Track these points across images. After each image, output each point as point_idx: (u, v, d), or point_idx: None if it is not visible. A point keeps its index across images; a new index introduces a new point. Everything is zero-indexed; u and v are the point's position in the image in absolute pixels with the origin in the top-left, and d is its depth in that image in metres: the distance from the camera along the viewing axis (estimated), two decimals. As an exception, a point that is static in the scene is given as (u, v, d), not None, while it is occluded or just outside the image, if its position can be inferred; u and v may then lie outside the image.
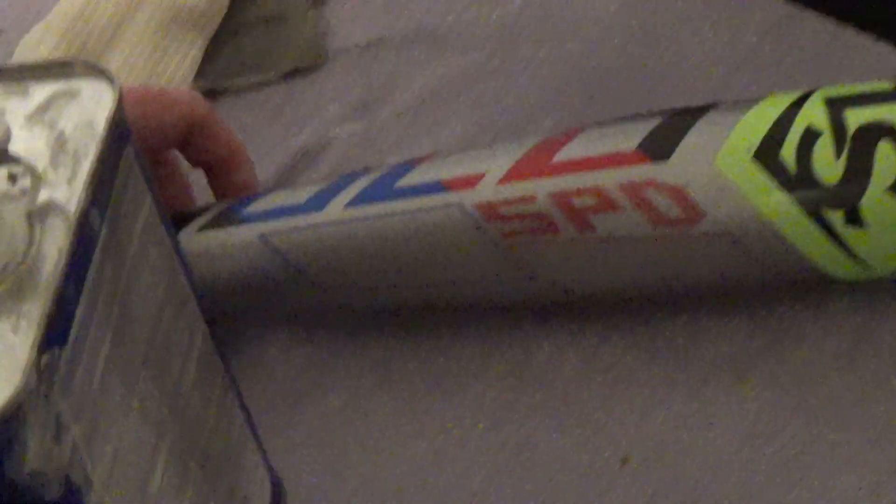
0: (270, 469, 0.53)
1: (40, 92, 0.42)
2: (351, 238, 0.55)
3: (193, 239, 0.57)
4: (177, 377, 0.44)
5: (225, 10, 0.72)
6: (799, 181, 0.50)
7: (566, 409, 0.55)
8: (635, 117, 0.54)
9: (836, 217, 0.50)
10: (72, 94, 0.41)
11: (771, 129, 0.51)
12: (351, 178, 0.56)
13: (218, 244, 0.57)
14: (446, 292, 0.56)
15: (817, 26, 0.69)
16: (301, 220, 0.55)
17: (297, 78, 0.72)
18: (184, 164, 0.67)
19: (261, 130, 0.69)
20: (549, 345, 0.57)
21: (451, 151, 0.56)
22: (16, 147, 0.41)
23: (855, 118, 0.51)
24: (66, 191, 0.39)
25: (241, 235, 0.56)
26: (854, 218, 0.50)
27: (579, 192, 0.52)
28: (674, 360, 0.56)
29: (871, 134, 0.50)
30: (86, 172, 0.39)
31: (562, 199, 0.52)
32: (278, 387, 0.58)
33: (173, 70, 0.70)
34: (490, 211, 0.53)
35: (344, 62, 0.72)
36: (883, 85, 0.52)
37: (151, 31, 0.70)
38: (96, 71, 0.41)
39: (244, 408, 0.51)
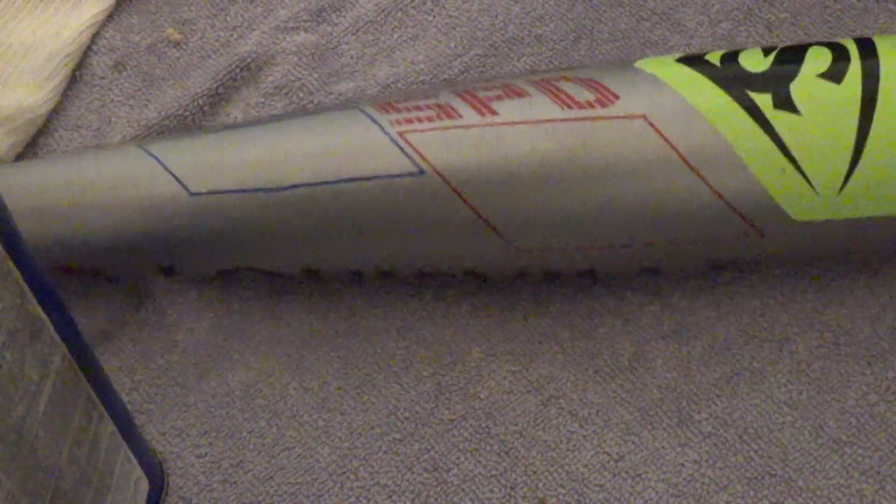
0: (150, 463, 0.48)
1: None
2: (241, 134, 0.50)
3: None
4: (19, 421, 0.38)
5: None
6: (724, 69, 0.47)
7: (486, 433, 0.49)
8: None
9: (763, 99, 0.46)
10: None
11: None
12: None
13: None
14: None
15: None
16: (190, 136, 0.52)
17: (252, -34, 0.63)
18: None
19: (202, 28, 0.61)
20: (480, 349, 0.51)
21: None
22: None
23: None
24: None
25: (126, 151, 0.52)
26: (784, 101, 0.46)
27: (485, 87, 0.49)
28: (615, 385, 0.50)
29: (800, 47, 0.48)
30: None
31: (465, 92, 0.49)
32: (178, 356, 0.53)
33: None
34: (386, 106, 0.49)
35: (307, -48, 0.63)
36: None
37: None
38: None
39: (119, 410, 0.45)
